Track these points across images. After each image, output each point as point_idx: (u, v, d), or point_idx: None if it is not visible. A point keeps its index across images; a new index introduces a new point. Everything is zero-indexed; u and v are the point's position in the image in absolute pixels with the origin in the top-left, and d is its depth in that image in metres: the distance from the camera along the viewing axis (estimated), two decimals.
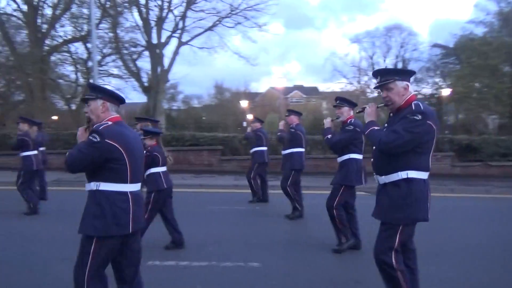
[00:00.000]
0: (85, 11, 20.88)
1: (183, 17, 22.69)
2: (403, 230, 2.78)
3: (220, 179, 11.46)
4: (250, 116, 27.16)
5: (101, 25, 21.67)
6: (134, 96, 41.90)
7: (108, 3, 21.59)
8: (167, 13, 22.60)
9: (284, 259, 4.64)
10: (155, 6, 22.43)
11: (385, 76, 2.86)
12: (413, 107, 2.72)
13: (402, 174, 2.74)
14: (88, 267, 2.48)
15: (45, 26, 21.18)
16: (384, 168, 2.85)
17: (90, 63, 21.92)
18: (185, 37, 23.13)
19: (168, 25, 23.07)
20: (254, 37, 25.47)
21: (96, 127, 2.52)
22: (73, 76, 25.55)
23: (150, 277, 3.99)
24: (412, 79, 2.96)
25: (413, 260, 2.98)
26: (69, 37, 22.34)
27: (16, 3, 20.46)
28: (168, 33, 23.00)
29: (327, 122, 4.79)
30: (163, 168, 4.92)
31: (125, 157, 2.51)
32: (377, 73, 2.94)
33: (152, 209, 4.77)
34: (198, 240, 5.35)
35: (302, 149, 6.60)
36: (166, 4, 22.32)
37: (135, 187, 2.63)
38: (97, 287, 2.53)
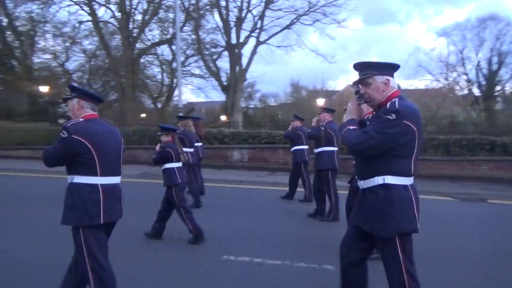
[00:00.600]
0: (170, 15, 22.32)
1: (262, 16, 23.09)
2: (401, 241, 2.42)
3: None
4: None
5: (185, 28, 22.96)
6: (214, 94, 44.06)
7: (192, 6, 22.76)
8: (246, 14, 23.22)
9: None
10: (235, 7, 23.20)
11: (363, 70, 2.57)
12: (388, 106, 2.41)
13: (379, 180, 2.44)
14: (85, 253, 2.65)
15: (136, 30, 23.02)
16: (362, 172, 2.57)
17: (174, 64, 23.39)
18: (262, 36, 23.57)
19: (247, 25, 23.71)
20: (332, 34, 25.01)
21: (65, 124, 2.71)
22: (159, 76, 27.62)
23: (224, 271, 4.11)
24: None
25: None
26: (157, 40, 24.07)
27: (112, 11, 22.58)
28: (247, 33, 23.62)
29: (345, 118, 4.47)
30: (177, 164, 5.10)
31: (92, 151, 2.65)
32: (356, 67, 2.65)
33: (180, 204, 4.97)
34: (273, 238, 5.39)
35: (334, 148, 6.34)
36: (245, 5, 22.96)
37: (109, 180, 2.75)
38: (102, 275, 2.66)
